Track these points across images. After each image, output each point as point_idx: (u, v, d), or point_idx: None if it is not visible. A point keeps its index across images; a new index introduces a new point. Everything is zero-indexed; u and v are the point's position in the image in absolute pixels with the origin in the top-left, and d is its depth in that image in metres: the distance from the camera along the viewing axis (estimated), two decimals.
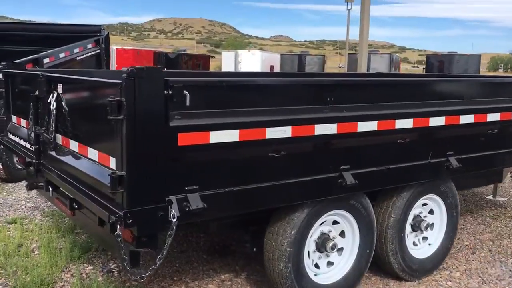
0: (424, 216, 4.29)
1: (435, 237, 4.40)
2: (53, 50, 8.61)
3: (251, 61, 28.75)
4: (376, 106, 3.48)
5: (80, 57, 9.48)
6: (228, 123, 2.83)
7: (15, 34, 10.46)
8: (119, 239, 2.61)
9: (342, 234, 3.78)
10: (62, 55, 8.87)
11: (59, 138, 3.59)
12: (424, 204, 4.30)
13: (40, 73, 3.69)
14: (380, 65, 25.23)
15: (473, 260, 4.73)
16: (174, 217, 2.66)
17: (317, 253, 3.69)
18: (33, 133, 3.83)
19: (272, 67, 30.31)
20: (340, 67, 45.24)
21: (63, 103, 3.50)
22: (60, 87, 3.48)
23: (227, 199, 2.90)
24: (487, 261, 4.72)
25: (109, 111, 2.47)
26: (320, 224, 3.63)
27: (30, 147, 4.04)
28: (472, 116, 4.14)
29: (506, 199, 6.84)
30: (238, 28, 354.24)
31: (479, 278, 4.35)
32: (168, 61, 30.06)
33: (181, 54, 32.94)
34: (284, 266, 3.40)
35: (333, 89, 3.38)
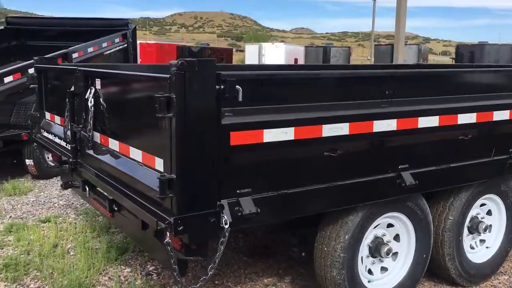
0: (482, 218, 3.99)
1: (494, 239, 4.09)
2: (81, 44, 8.50)
3: (275, 54, 28.41)
4: (438, 100, 3.20)
5: (108, 52, 9.34)
6: (282, 120, 2.59)
7: (43, 29, 10.41)
8: (169, 248, 2.40)
9: (396, 238, 3.52)
10: (90, 49, 8.75)
11: (97, 136, 3.41)
12: (482, 205, 3.99)
13: (76, 67, 3.51)
14: (408, 56, 24.55)
15: None
16: (226, 223, 2.44)
17: (371, 258, 3.44)
18: (69, 131, 3.67)
19: (296, 59, 29.89)
20: (368, 59, 44.42)
21: (101, 99, 3.31)
22: (98, 83, 3.30)
23: (280, 202, 2.68)
24: None
25: (157, 108, 2.25)
26: (374, 227, 3.37)
27: (66, 145, 3.88)
28: None
29: None
30: (259, 21, 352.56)
31: None
32: (191, 55, 29.87)
33: (204, 48, 32.74)
34: (338, 273, 3.16)
35: (392, 81, 3.10)
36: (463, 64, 10.24)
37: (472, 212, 3.89)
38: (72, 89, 3.60)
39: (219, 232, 2.45)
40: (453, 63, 25.86)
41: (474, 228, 3.93)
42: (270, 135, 2.54)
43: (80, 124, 3.52)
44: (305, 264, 3.60)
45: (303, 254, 3.44)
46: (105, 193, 3.44)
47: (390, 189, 3.11)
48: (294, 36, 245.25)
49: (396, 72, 3.69)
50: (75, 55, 8.15)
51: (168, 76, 2.26)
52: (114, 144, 3.17)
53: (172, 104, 2.25)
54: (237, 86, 2.39)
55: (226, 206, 2.47)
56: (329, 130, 2.73)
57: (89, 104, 3.33)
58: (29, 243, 4.64)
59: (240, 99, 2.41)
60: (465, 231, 3.87)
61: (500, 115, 3.51)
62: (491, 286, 4.01)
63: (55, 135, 4.27)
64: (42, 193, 6.46)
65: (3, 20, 11.81)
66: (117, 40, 9.77)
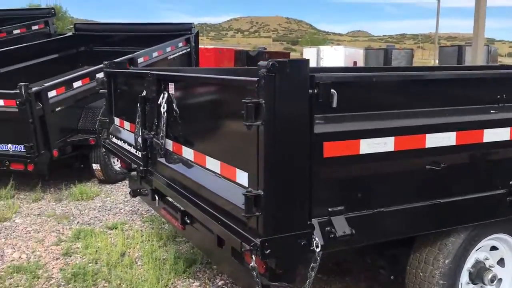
0: None
1: None
2: (146, 49, 8.50)
3: (334, 57, 27.88)
4: None
5: (171, 56, 9.33)
6: (381, 129, 2.26)
7: (109, 35, 10.60)
8: (255, 273, 2.13)
9: (501, 262, 3.08)
10: (155, 54, 8.75)
11: (170, 144, 3.22)
12: None
13: (148, 71, 3.34)
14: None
15: None
16: (317, 246, 2.14)
17: (471, 286, 3.02)
18: (140, 137, 3.51)
19: (355, 62, 29.22)
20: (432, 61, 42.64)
21: (174, 104, 3.12)
22: (171, 87, 3.11)
23: (377, 222, 2.34)
24: None
25: (244, 115, 1.99)
26: (476, 250, 2.95)
27: (136, 152, 3.74)
28: None
29: None
30: (315, 25, 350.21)
31: None
32: (249, 59, 29.98)
33: (262, 52, 32.73)
34: None
35: (504, 84, 2.69)
36: None
37: None
38: (144, 94, 3.45)
39: (309, 256, 2.16)
40: None
41: None
42: (367, 146, 2.22)
43: (152, 131, 3.35)
44: (387, 285, 3.24)
45: (391, 277, 3.08)
46: (177, 204, 3.25)
47: (499, 207, 2.69)
48: (351, 39, 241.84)
49: (509, 73, 3.23)
50: (140, 60, 8.16)
51: (256, 79, 2.00)
52: (188, 153, 2.96)
53: (260, 111, 1.99)
54: (332, 90, 2.10)
55: (317, 226, 2.18)
56: (434, 140, 2.37)
57: (162, 110, 3.15)
58: (96, 251, 4.56)
59: (335, 104, 2.12)
60: None
61: None
62: None
63: (125, 142, 4.16)
64: (108, 198, 6.44)
65: (71, 26, 12.20)
66: (180, 44, 9.76)
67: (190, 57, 10.16)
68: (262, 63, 2.00)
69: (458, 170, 2.54)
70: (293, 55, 47.12)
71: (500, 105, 2.60)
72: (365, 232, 2.33)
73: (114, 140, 4.48)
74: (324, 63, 27.79)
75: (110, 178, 7.07)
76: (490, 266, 3.02)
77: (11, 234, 5.05)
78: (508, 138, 2.59)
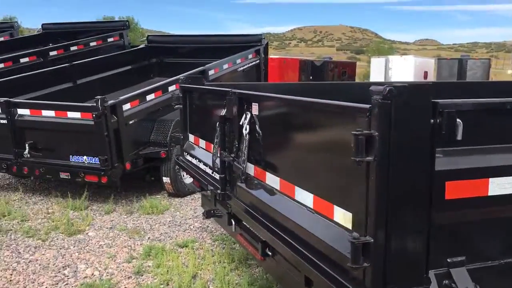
0: None
1: None
2: (217, 61, 8.44)
3: (403, 67, 26.81)
4: None
5: (241, 68, 9.22)
6: None
7: (179, 47, 10.70)
8: None
9: None
10: (225, 66, 8.67)
11: (251, 168, 2.98)
12: None
13: (230, 90, 3.14)
14: None
15: None
16: None
17: None
18: (218, 159, 3.31)
19: (426, 73, 27.97)
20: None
21: (257, 126, 2.89)
22: (255, 107, 2.88)
23: (505, 276, 1.96)
24: None
25: (353, 149, 1.70)
26: None
27: (213, 173, 3.54)
28: None
29: None
30: (380, 34, 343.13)
31: None
32: (314, 69, 29.56)
33: (327, 62, 32.18)
34: None
35: None
36: None
37: None
38: (224, 113, 3.24)
39: None
40: None
41: None
42: (498, 186, 1.86)
43: (232, 153, 3.13)
44: None
45: None
46: (257, 233, 3.00)
47: None
48: (418, 48, 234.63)
49: None
50: (211, 72, 8.11)
51: (368, 106, 1.70)
52: (273, 181, 2.71)
53: (373, 144, 1.69)
54: (458, 120, 1.76)
55: (434, 280, 1.84)
56: None
57: (244, 132, 2.92)
58: (168, 271, 4.42)
59: (460, 136, 1.77)
60: None
61: None
62: None
63: (199, 160, 3.99)
64: (178, 212, 6.35)
65: (144, 38, 12.48)
66: (250, 56, 9.64)
67: (260, 69, 10.02)
68: (375, 88, 1.70)
69: None
70: (359, 65, 46.19)
71: None
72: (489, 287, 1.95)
73: (188, 157, 4.33)
74: (393, 74, 26.81)
75: (179, 191, 7.00)
76: None
77: (84, 247, 5.04)
78: None
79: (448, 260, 1.87)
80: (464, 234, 1.91)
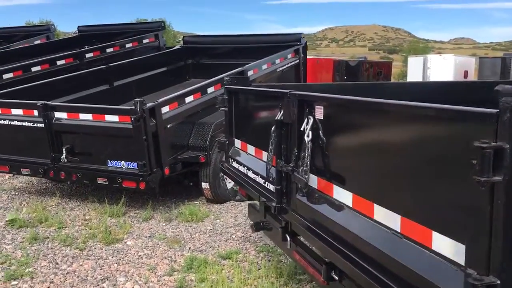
0: None
1: None
2: (256, 62, 8.12)
3: (442, 67, 25.86)
4: None
5: (280, 68, 8.87)
6: None
7: (215, 47, 10.44)
8: None
9: None
10: (264, 66, 8.34)
11: (314, 180, 2.63)
12: None
13: (288, 92, 2.79)
14: None
15: None
16: None
17: None
18: (274, 168, 2.97)
19: (466, 72, 26.92)
20: None
21: (320, 132, 2.53)
22: (320, 111, 2.52)
23: None
24: None
25: (476, 166, 1.32)
26: None
27: (266, 184, 3.20)
28: None
29: None
30: (414, 33, 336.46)
31: None
32: (348, 69, 28.92)
33: (362, 62, 31.45)
34: None
35: None
36: None
37: None
38: (279, 117, 2.90)
39: None
40: None
41: None
42: None
43: (290, 162, 2.78)
44: None
45: None
46: (321, 254, 2.64)
47: None
48: (453, 47, 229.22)
49: None
50: (250, 73, 7.79)
51: (495, 111, 1.32)
52: (343, 196, 2.34)
53: (503, 160, 1.31)
54: None
55: None
56: None
57: (306, 139, 2.57)
58: (212, 286, 4.11)
59: None
60: None
61: None
62: None
63: (248, 168, 3.66)
64: (218, 220, 6.05)
65: (179, 40, 12.31)
66: (289, 56, 9.28)
67: (299, 69, 9.65)
68: (503, 87, 1.32)
69: None
70: (393, 65, 45.07)
71: None
72: None
73: (235, 164, 4.01)
74: (432, 73, 25.91)
75: (218, 197, 6.70)
76: None
77: (123, 258, 4.79)
78: None
79: None
80: None
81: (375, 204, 2.06)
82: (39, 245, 5.07)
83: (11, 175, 7.77)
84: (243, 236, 5.47)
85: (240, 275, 4.32)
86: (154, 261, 4.73)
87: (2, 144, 6.52)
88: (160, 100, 5.91)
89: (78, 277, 4.35)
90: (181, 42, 10.95)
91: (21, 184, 7.67)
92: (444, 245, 1.62)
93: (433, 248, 1.68)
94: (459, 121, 1.55)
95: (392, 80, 33.26)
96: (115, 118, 5.74)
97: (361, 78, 28.22)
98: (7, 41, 12.44)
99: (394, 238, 1.91)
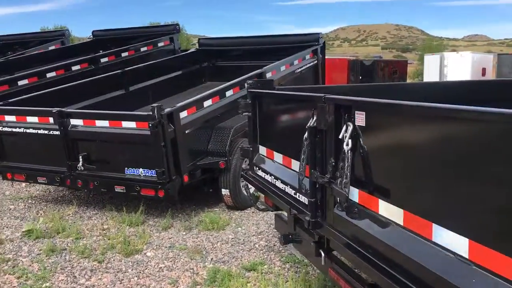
0: None
1: None
2: (274, 63, 7.90)
3: (459, 65, 25.36)
4: None
5: (299, 70, 8.63)
6: None
7: (231, 49, 10.26)
8: None
9: None
10: (283, 68, 8.12)
11: (355, 193, 2.39)
12: None
13: (323, 95, 2.55)
14: None
15: None
16: None
17: None
18: (307, 179, 2.74)
19: (484, 70, 26.37)
20: None
21: (361, 140, 2.29)
22: (361, 117, 2.28)
23: None
24: None
25: None
26: None
27: (298, 195, 2.97)
28: None
29: None
30: (427, 31, 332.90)
31: None
32: (363, 69, 28.55)
33: (377, 61, 31.02)
34: None
35: None
36: None
37: None
38: (312, 123, 2.67)
39: None
40: None
41: None
42: None
43: (327, 173, 2.55)
44: None
45: None
46: (363, 274, 2.41)
47: None
48: (467, 44, 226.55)
49: None
50: (268, 75, 7.58)
51: None
52: (391, 212, 2.10)
53: None
54: None
55: None
56: None
57: (345, 148, 2.33)
58: None
59: None
60: None
61: None
62: None
63: (276, 178, 3.43)
64: (240, 228, 5.83)
65: (194, 43, 12.15)
66: (307, 56, 9.05)
67: (318, 70, 9.41)
68: None
69: None
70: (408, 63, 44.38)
71: None
72: None
73: (260, 173, 3.78)
74: (449, 71, 25.43)
75: (239, 204, 6.49)
76: None
77: (143, 271, 4.59)
78: None
79: None
80: None
81: (434, 224, 1.81)
82: (57, 257, 4.90)
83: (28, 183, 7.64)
84: (266, 245, 5.24)
85: None
86: (175, 273, 4.53)
87: (18, 152, 6.40)
88: (178, 105, 5.71)
89: None
90: (196, 45, 10.79)
91: (38, 192, 7.54)
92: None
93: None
94: None
95: (408, 80, 32.78)
96: (132, 124, 5.56)
97: (376, 77, 27.85)
98: (23, 47, 12.43)
99: (460, 264, 1.67)
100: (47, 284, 4.31)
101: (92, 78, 8.17)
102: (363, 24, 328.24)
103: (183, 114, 5.76)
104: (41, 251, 5.05)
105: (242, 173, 4.19)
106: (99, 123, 5.75)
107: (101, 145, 5.86)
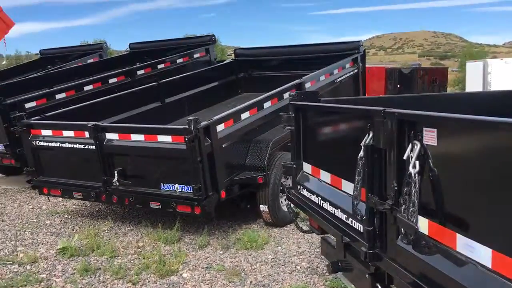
0: None
1: None
2: (314, 73, 7.61)
3: (504, 72, 24.24)
4: None
5: (339, 79, 8.29)
6: None
7: (268, 59, 10.02)
8: None
9: None
10: (322, 77, 7.81)
11: (424, 224, 2.05)
12: None
13: (382, 109, 2.23)
14: None
15: None
16: None
17: None
18: (363, 204, 2.41)
19: None
20: None
21: (430, 162, 1.96)
22: (430, 135, 1.95)
23: None
24: None
25: None
26: None
27: (351, 221, 2.64)
28: None
29: None
30: (465, 37, 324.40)
31: None
32: (402, 77, 27.79)
33: (416, 69, 30.15)
34: None
35: None
36: None
37: None
38: (369, 141, 2.34)
39: None
40: None
41: None
42: None
43: (388, 199, 2.22)
44: None
45: None
46: None
47: None
48: (508, 50, 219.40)
49: None
50: (308, 85, 7.29)
51: None
52: (475, 251, 1.75)
53: None
54: None
55: None
56: None
57: (412, 171, 2.00)
58: None
59: None
60: None
61: None
62: None
63: (323, 199, 3.11)
64: (280, 247, 5.51)
65: (230, 53, 11.99)
66: (347, 65, 8.70)
67: (358, 80, 9.03)
68: None
69: None
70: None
71: None
72: None
73: (305, 192, 3.47)
74: (493, 79, 24.37)
75: (278, 221, 6.18)
76: None
77: None
78: None
79: None
80: None
81: None
82: (90, 277, 4.72)
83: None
84: (309, 267, 4.90)
85: None
86: None
87: (54, 167, 6.32)
88: (215, 118, 5.48)
89: None
90: (232, 55, 10.62)
91: (74, 206, 7.46)
92: None
93: None
94: None
95: (449, 88, 31.72)
96: (168, 138, 5.36)
97: (415, 86, 27.08)
98: (62, 60, 12.60)
99: None
100: None
101: (128, 91, 8.09)
102: (398, 32, 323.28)
103: (220, 127, 5.52)
104: (75, 271, 4.89)
105: (285, 193, 3.89)
106: (135, 137, 5.59)
107: (137, 160, 5.69)
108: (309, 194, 3.38)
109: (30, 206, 7.50)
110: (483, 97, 4.82)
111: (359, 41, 9.13)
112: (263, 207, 6.10)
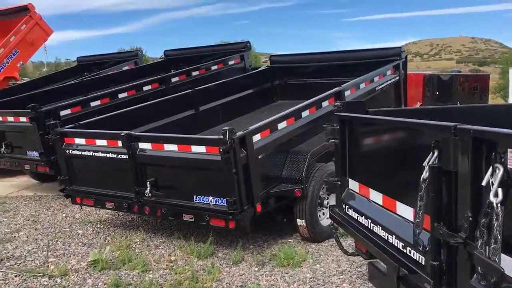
0: None
1: None
2: (353, 80, 7.25)
3: None
4: None
5: (380, 87, 7.90)
6: None
7: (303, 66, 9.72)
8: None
9: None
10: (362, 85, 7.44)
11: (507, 264, 1.71)
12: None
13: (453, 124, 1.91)
14: None
15: None
16: None
17: None
18: (426, 233, 2.09)
19: None
20: None
21: None
22: None
23: None
24: None
25: None
26: None
27: (405, 248, 2.32)
28: None
29: None
30: (505, 43, 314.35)
31: None
32: (440, 84, 26.92)
33: (456, 75, 29.17)
34: None
35: None
36: None
37: None
38: (434, 161, 2.02)
39: None
40: None
41: None
42: None
43: (459, 231, 1.89)
44: None
45: None
46: None
47: None
48: None
49: None
50: (347, 93, 6.96)
51: None
52: None
53: None
54: None
55: None
56: None
57: (493, 200, 1.67)
58: None
59: None
60: None
61: None
62: None
63: (374, 222, 2.79)
64: (318, 265, 5.18)
65: (266, 60, 11.77)
66: (388, 72, 8.30)
67: (399, 87, 8.62)
68: None
69: None
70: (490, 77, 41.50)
71: None
72: None
73: (351, 213, 3.16)
74: None
75: (316, 236, 5.86)
76: None
77: None
78: None
79: None
80: None
81: None
82: None
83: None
84: None
85: None
86: None
87: (87, 176, 6.21)
88: (251, 128, 5.22)
89: None
90: (268, 62, 10.37)
91: (107, 215, 7.34)
92: None
93: None
94: None
95: (490, 95, 30.55)
96: (202, 149, 5.13)
97: (455, 93, 26.17)
98: (99, 67, 12.69)
99: None
100: None
101: (162, 99, 7.96)
102: (435, 38, 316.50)
103: (256, 137, 5.25)
104: (105, 286, 4.71)
105: (329, 212, 3.58)
106: (168, 147, 5.39)
107: (170, 171, 5.50)
108: (357, 215, 3.06)
109: (64, 214, 7.44)
110: None
111: (400, 47, 8.73)
112: (300, 222, 5.80)
